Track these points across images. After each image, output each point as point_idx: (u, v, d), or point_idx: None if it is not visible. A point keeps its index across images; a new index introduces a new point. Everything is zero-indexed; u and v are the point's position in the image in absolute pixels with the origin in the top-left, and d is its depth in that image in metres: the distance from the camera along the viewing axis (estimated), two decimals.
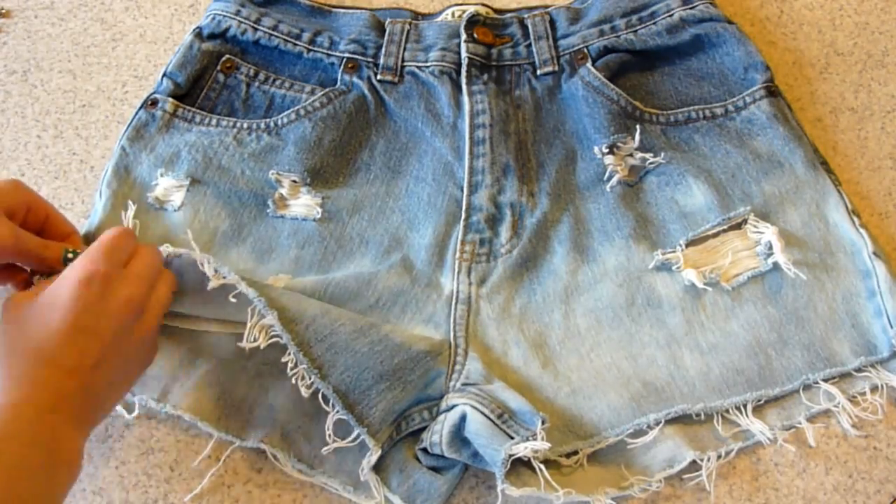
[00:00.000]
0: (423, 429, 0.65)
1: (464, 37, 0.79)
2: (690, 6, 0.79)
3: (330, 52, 0.80)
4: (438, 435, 0.63)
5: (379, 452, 0.63)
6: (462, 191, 0.75)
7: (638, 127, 0.75)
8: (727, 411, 0.66)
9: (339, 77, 0.79)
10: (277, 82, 0.80)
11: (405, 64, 0.79)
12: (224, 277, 0.64)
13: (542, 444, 0.61)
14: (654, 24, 0.79)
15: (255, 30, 0.80)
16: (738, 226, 0.72)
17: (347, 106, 0.78)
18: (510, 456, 0.61)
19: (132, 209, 0.73)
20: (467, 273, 0.72)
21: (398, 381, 0.64)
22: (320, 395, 0.63)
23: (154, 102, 0.77)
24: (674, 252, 0.71)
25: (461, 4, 0.82)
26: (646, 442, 0.64)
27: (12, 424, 0.54)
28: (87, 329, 0.57)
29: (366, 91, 0.79)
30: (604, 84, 0.77)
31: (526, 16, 0.81)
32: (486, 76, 0.79)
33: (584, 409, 0.66)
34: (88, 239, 0.71)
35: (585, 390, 0.67)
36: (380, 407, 0.63)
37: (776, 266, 0.70)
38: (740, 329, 0.68)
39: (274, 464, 0.66)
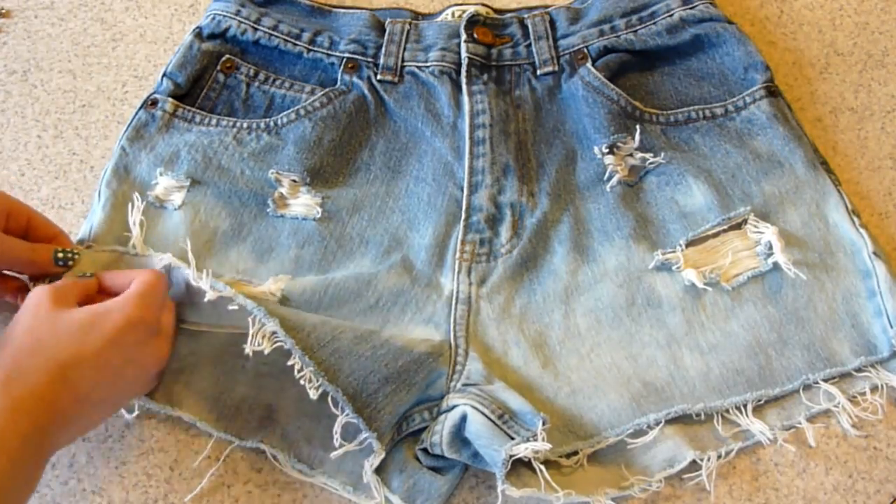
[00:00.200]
0: (424, 429, 0.65)
1: (464, 37, 0.79)
2: (690, 6, 0.79)
3: (330, 52, 0.80)
4: (439, 435, 0.63)
5: (383, 455, 0.63)
6: (462, 191, 0.75)
7: (638, 127, 0.76)
8: (727, 411, 0.66)
9: (339, 77, 0.79)
10: (277, 82, 0.80)
11: (405, 64, 0.79)
12: (220, 291, 0.64)
13: (542, 445, 0.61)
14: (654, 24, 0.79)
15: (255, 30, 0.80)
16: (738, 226, 0.72)
17: (347, 106, 0.78)
18: (511, 457, 0.61)
19: (139, 208, 0.72)
20: (467, 273, 0.71)
21: (403, 383, 0.64)
22: (329, 398, 0.62)
23: (154, 102, 0.77)
24: (674, 252, 0.71)
25: (461, 4, 0.82)
26: (646, 442, 0.64)
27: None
28: (109, 368, 0.58)
29: (366, 91, 0.79)
30: (604, 84, 0.77)
31: (526, 16, 0.81)
32: (486, 76, 0.79)
33: (584, 409, 0.66)
34: (83, 242, 0.71)
35: (585, 390, 0.67)
36: (387, 410, 0.63)
37: (776, 266, 0.70)
38: (740, 329, 0.68)
39: (274, 464, 0.66)
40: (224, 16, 0.80)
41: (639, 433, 0.65)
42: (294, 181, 0.75)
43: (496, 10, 0.83)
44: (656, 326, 0.69)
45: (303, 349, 0.63)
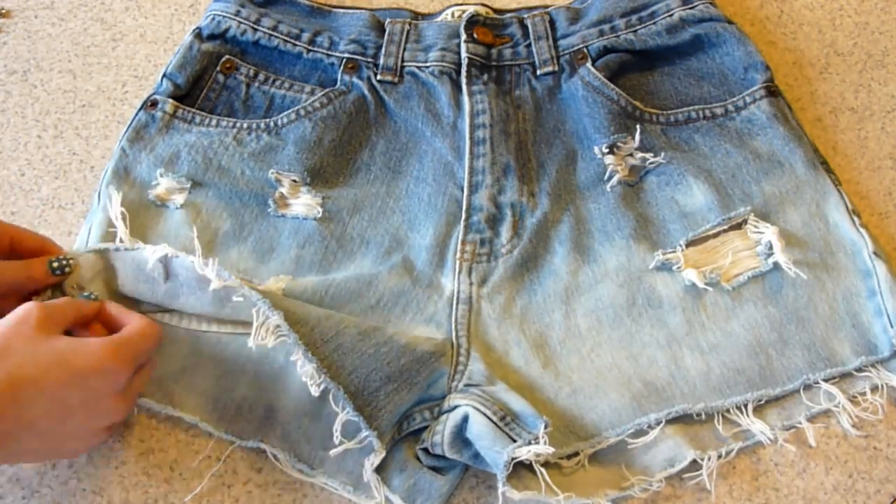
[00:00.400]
0: (424, 428, 0.65)
1: (463, 37, 0.79)
2: (690, 6, 0.79)
3: (330, 53, 0.80)
4: (440, 435, 0.63)
5: (383, 454, 0.63)
6: (462, 191, 0.75)
7: (638, 127, 0.76)
8: (728, 411, 0.66)
9: (338, 77, 0.79)
10: (277, 83, 0.80)
11: (405, 64, 0.79)
12: (226, 280, 0.63)
13: (545, 448, 0.61)
14: (653, 23, 0.79)
15: (255, 30, 0.80)
16: (739, 226, 0.72)
17: (347, 106, 0.78)
18: (513, 459, 0.60)
19: (118, 202, 0.72)
20: (468, 273, 0.71)
21: (405, 382, 0.64)
22: (330, 396, 0.62)
23: (154, 103, 0.77)
24: (674, 252, 0.71)
25: (461, 4, 0.82)
26: (646, 442, 0.64)
27: None
28: (63, 404, 0.57)
29: (366, 91, 0.79)
30: (604, 84, 0.77)
31: (526, 16, 0.81)
32: (485, 76, 0.79)
33: (584, 409, 0.66)
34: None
35: (586, 390, 0.67)
36: (388, 409, 0.63)
37: (776, 266, 0.70)
38: (741, 329, 0.68)
39: (274, 464, 0.66)
40: (224, 16, 0.80)
41: (639, 433, 0.65)
42: (294, 181, 0.75)
43: (496, 10, 0.83)
44: (657, 326, 0.69)
45: (306, 345, 0.62)
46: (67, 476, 0.66)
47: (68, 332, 0.60)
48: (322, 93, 0.78)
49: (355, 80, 0.79)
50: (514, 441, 0.62)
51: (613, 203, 0.74)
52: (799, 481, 0.65)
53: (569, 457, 0.64)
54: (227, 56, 0.80)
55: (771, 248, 0.70)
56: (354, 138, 0.78)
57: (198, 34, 0.80)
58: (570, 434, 0.65)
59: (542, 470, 0.61)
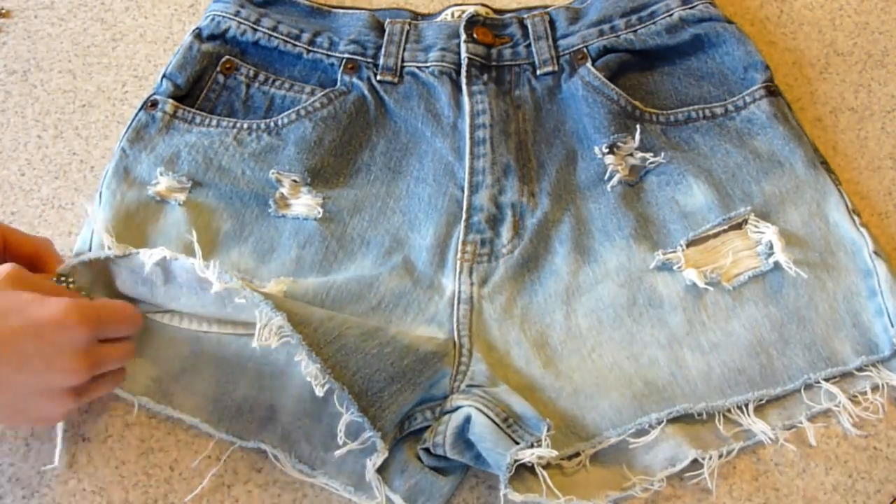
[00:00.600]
0: (425, 428, 0.65)
1: (463, 37, 0.79)
2: (690, 6, 0.79)
3: (329, 53, 0.80)
4: (442, 436, 0.63)
5: (385, 454, 0.63)
6: (463, 191, 0.75)
7: (638, 127, 0.76)
8: (729, 411, 0.66)
9: (338, 77, 0.79)
10: (277, 83, 0.80)
11: (405, 64, 0.79)
12: (227, 283, 0.63)
13: (547, 451, 0.61)
14: (653, 23, 0.79)
15: (255, 30, 0.80)
16: (739, 225, 0.72)
17: (347, 106, 0.78)
18: (515, 461, 0.61)
19: (101, 218, 0.72)
20: (469, 273, 0.71)
21: (408, 382, 0.64)
22: (335, 396, 0.62)
23: (154, 104, 0.77)
24: (675, 252, 0.71)
25: (461, 4, 0.82)
26: (647, 441, 0.64)
27: None
28: (18, 352, 0.56)
29: (366, 91, 0.79)
30: (604, 84, 0.77)
31: (525, 16, 0.81)
32: (485, 76, 0.79)
33: (585, 409, 0.66)
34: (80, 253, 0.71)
35: (587, 390, 0.67)
36: (391, 409, 0.63)
37: (777, 266, 0.70)
38: (741, 329, 0.68)
39: (274, 464, 0.66)
40: (223, 17, 0.80)
41: (640, 433, 0.65)
42: (295, 181, 0.75)
43: (496, 11, 0.83)
44: (657, 326, 0.69)
45: (309, 345, 0.62)
46: (67, 476, 0.66)
47: None
48: (322, 93, 0.78)
49: (355, 80, 0.79)
50: (517, 443, 0.62)
51: (614, 203, 0.74)
52: (799, 481, 0.65)
53: (570, 457, 0.65)
54: (226, 56, 0.80)
55: (771, 247, 0.70)
56: (355, 138, 0.78)
57: (197, 34, 0.80)
58: (571, 434, 0.65)
59: (544, 473, 0.61)
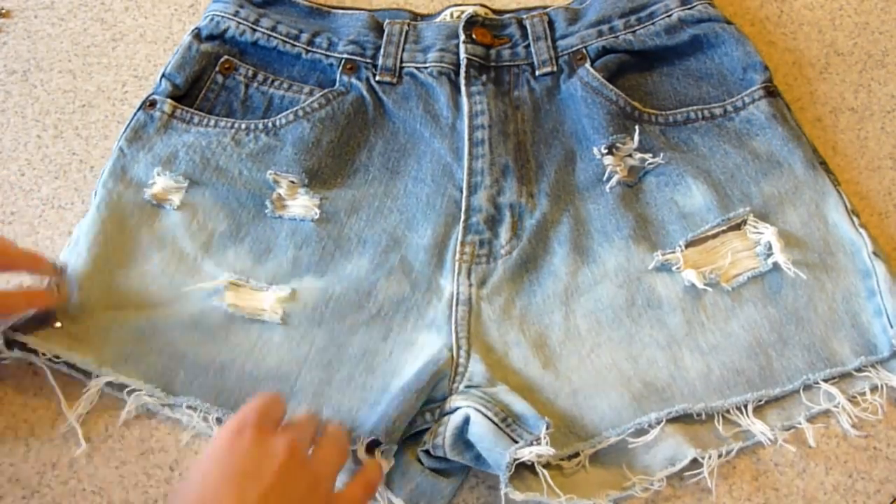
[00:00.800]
0: (425, 430, 0.65)
1: (462, 37, 0.79)
2: (689, 6, 0.79)
3: (328, 53, 0.80)
4: (442, 437, 0.63)
5: (392, 463, 0.63)
6: (461, 192, 0.75)
7: (637, 127, 0.75)
8: (728, 411, 0.66)
9: (337, 78, 0.79)
10: (276, 83, 0.80)
11: (404, 65, 0.79)
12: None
13: (546, 450, 0.61)
14: (652, 24, 0.79)
15: (254, 31, 0.80)
16: (738, 226, 0.72)
17: (346, 107, 0.78)
18: (515, 460, 0.61)
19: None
20: (467, 274, 0.71)
21: (414, 392, 0.65)
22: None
23: (152, 104, 0.77)
24: (673, 253, 0.71)
25: (460, 5, 0.82)
26: (647, 441, 0.64)
27: None
28: (246, 473, 0.52)
29: (364, 92, 0.79)
30: (602, 84, 0.77)
31: (524, 16, 0.81)
32: (484, 77, 0.79)
33: (584, 410, 0.66)
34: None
35: (586, 391, 0.67)
36: (401, 419, 0.64)
37: (776, 266, 0.70)
38: (740, 329, 0.68)
39: None
40: (223, 17, 0.80)
41: (640, 432, 0.65)
42: (292, 182, 0.75)
43: (495, 11, 0.83)
44: (656, 327, 0.69)
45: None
46: (67, 476, 0.66)
47: None
48: (321, 93, 0.78)
49: (354, 80, 0.79)
50: (516, 442, 0.62)
51: (612, 204, 0.74)
52: (799, 481, 0.65)
53: (569, 457, 0.65)
54: (225, 56, 0.80)
55: (770, 248, 0.70)
56: (353, 139, 0.78)
57: (196, 34, 0.80)
58: (570, 434, 0.65)
59: (544, 471, 0.61)
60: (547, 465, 0.62)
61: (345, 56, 0.79)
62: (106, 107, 0.83)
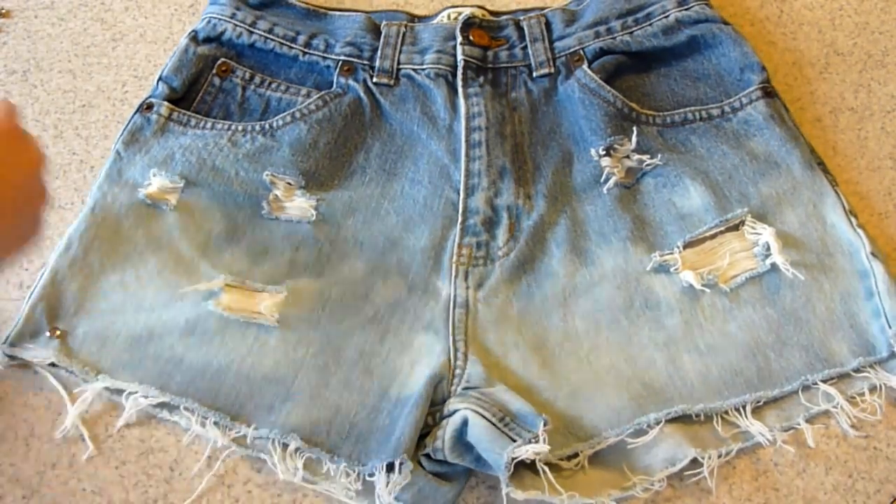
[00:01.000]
0: (426, 434, 0.65)
1: (459, 39, 0.79)
2: (686, 7, 0.79)
3: (325, 55, 0.80)
4: (441, 441, 0.63)
5: (409, 478, 0.63)
6: (458, 194, 0.75)
7: (634, 129, 0.75)
8: (726, 412, 0.66)
9: (334, 80, 0.79)
10: (273, 85, 0.80)
11: (401, 66, 0.79)
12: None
13: (543, 447, 0.61)
14: (649, 25, 0.79)
15: (251, 33, 0.80)
16: (736, 227, 0.72)
17: (343, 109, 0.78)
18: (513, 459, 0.61)
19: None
20: (464, 277, 0.71)
21: (422, 409, 0.65)
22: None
23: (149, 106, 0.78)
24: (671, 254, 0.71)
25: (457, 6, 0.82)
26: (646, 441, 0.64)
27: None
28: None
29: (361, 94, 0.79)
30: (600, 86, 0.77)
31: (521, 18, 0.81)
32: (481, 78, 0.78)
33: (583, 411, 0.66)
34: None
35: (585, 392, 0.67)
36: (410, 431, 0.64)
37: (774, 267, 0.70)
38: (739, 330, 0.68)
39: None
40: (219, 19, 0.80)
41: (639, 433, 0.65)
42: (289, 184, 0.75)
43: (492, 13, 0.83)
44: (655, 328, 0.69)
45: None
46: (67, 476, 0.66)
47: None
48: (318, 95, 0.78)
49: (351, 82, 0.79)
50: (515, 441, 0.62)
51: (610, 205, 0.74)
52: (799, 481, 0.65)
53: (569, 458, 0.65)
54: (222, 59, 0.80)
55: (768, 249, 0.70)
56: (350, 141, 0.78)
57: (193, 37, 0.80)
58: (569, 435, 0.65)
59: (545, 468, 0.61)
60: (547, 466, 0.62)
61: (342, 58, 0.79)
62: (106, 107, 0.83)
